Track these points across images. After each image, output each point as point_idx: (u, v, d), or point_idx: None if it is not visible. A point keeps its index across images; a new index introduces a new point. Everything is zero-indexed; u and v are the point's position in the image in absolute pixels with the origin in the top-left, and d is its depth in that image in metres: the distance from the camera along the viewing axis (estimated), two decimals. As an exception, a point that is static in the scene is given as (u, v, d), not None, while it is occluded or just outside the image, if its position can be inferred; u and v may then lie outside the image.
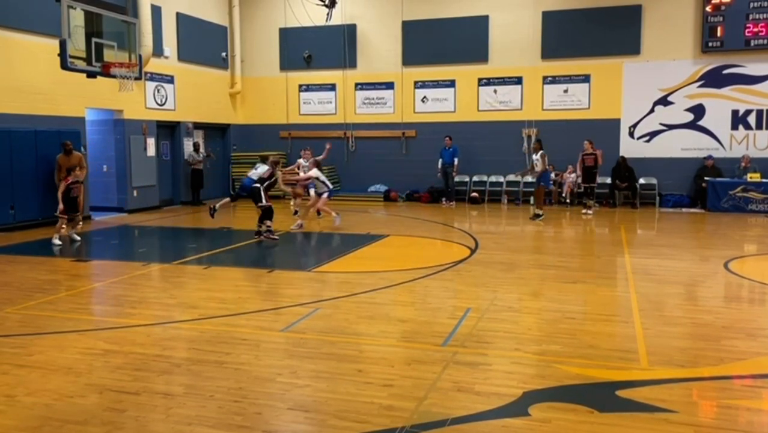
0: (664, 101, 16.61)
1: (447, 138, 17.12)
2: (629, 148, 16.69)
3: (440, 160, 17.15)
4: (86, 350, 5.38)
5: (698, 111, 16.39)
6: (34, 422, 3.98)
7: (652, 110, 16.70)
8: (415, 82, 18.42)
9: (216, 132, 19.50)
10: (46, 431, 3.86)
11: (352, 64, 18.80)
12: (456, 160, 16.97)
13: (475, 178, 17.97)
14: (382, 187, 18.54)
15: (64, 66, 11.40)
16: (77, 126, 14.01)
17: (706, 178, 15.72)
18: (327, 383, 4.62)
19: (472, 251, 10.09)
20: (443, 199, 17.42)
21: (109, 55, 12.34)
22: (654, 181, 16.59)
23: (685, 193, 16.49)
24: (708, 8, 15.88)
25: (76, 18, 11.56)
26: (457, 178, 17.52)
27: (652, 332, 5.79)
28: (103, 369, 4.92)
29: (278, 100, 19.59)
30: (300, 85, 19.46)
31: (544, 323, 6.23)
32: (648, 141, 16.79)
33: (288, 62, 19.40)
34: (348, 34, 18.65)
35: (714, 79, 16.18)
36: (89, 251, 11.14)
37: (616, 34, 16.61)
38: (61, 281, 8.22)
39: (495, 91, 17.77)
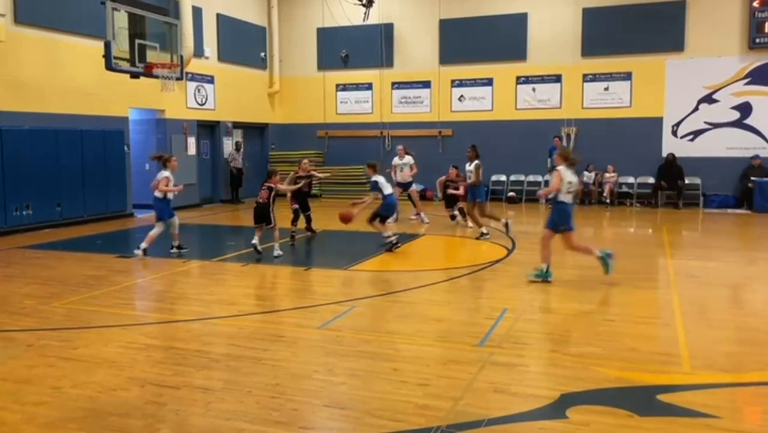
0: (708, 99, 16.17)
1: (556, 138, 16.34)
2: (672, 147, 16.30)
3: (549, 160, 15.96)
4: (129, 344, 5.51)
5: (745, 109, 15.92)
6: (79, 414, 4.10)
7: (696, 108, 16.28)
8: (452, 81, 18.33)
9: (255, 131, 19.75)
10: (90, 423, 3.96)
11: (389, 63, 18.80)
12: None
13: (513, 178, 17.80)
14: (418, 186, 18.47)
15: (109, 67, 11.69)
16: (121, 125, 14.37)
17: (752, 178, 15.27)
18: (363, 381, 4.64)
19: (509, 251, 10.00)
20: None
21: (151, 56, 12.62)
22: (698, 181, 16.17)
23: (731, 194, 16.03)
24: (755, 3, 15.41)
25: (120, 20, 11.86)
26: (493, 177, 17.36)
27: (695, 336, 5.64)
28: (145, 363, 5.03)
29: (315, 100, 19.74)
30: (337, 85, 19.57)
31: (582, 324, 6.14)
32: (692, 140, 16.38)
33: (325, 62, 19.52)
34: (385, 33, 18.67)
35: (761, 76, 15.69)
36: (132, 247, 11.37)
37: (659, 30, 16.23)
38: (105, 276, 8.43)
39: (533, 90, 17.57)
